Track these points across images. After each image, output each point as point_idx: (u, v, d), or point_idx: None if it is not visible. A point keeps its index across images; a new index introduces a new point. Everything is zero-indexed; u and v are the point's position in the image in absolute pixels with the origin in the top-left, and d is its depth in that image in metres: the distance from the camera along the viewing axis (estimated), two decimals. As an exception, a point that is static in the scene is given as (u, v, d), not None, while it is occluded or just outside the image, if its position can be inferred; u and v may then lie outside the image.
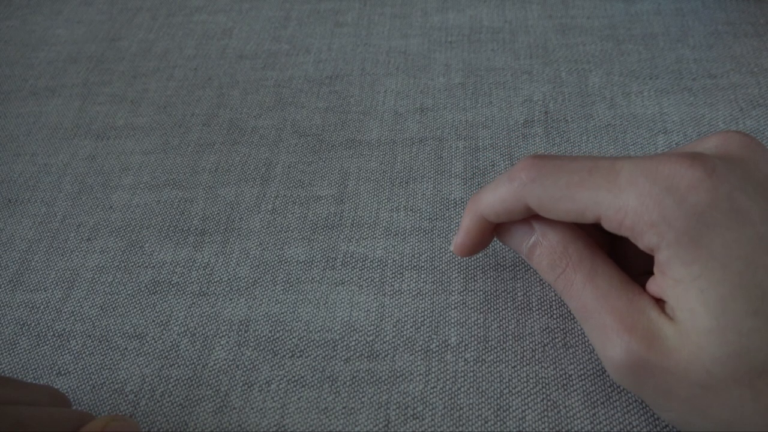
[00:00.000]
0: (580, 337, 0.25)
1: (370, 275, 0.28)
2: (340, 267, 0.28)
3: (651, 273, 0.21)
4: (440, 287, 0.27)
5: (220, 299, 0.28)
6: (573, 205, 0.21)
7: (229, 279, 0.28)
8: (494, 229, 0.25)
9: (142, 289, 0.29)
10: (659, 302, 0.20)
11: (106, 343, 0.27)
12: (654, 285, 0.20)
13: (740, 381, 0.18)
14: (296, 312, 0.27)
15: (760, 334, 0.18)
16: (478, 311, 0.26)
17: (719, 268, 0.18)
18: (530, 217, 0.23)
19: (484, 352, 0.25)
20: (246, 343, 0.26)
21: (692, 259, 0.19)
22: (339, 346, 0.26)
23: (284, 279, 0.28)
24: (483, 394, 0.24)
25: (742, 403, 0.18)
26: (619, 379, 0.20)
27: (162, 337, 0.27)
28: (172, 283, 0.29)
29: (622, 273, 0.21)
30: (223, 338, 0.27)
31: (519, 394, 0.24)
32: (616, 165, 0.20)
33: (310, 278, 0.28)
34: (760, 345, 0.18)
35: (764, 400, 0.18)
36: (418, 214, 0.30)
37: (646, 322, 0.19)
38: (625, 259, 0.23)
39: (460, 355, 0.25)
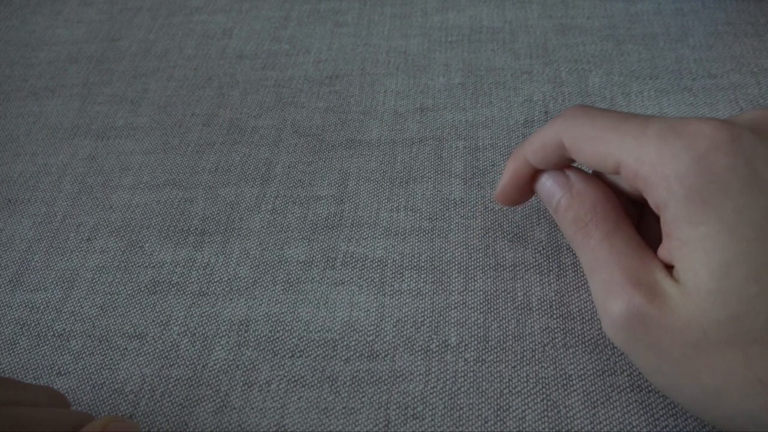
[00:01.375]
0: (580, 337, 0.25)
1: (370, 275, 0.28)
2: (340, 267, 0.28)
3: None
4: (440, 287, 0.27)
5: (220, 299, 0.28)
6: (600, 146, 0.21)
7: (229, 279, 0.28)
8: (533, 181, 0.25)
9: (142, 289, 0.29)
10: (669, 268, 0.20)
11: (106, 343, 0.27)
12: (663, 250, 0.20)
13: (735, 345, 0.18)
14: (296, 312, 0.27)
15: (760, 301, 0.18)
16: (478, 311, 0.26)
17: (726, 231, 0.18)
18: (568, 171, 0.24)
19: (484, 352, 0.25)
20: (246, 343, 0.26)
21: (699, 220, 0.19)
22: (339, 346, 0.26)
23: (284, 279, 0.28)
24: (483, 394, 0.24)
25: (734, 368, 0.18)
26: (613, 335, 0.21)
27: (162, 337, 0.27)
28: (172, 283, 0.29)
29: (640, 238, 0.22)
30: (223, 338, 0.27)
31: (519, 394, 0.24)
32: (651, 118, 0.21)
33: (310, 278, 0.28)
34: (758, 311, 0.18)
35: (755, 367, 0.18)
36: (418, 214, 0.30)
37: (652, 280, 0.20)
38: (646, 235, 0.23)
39: (460, 355, 0.25)
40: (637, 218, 0.24)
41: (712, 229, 0.18)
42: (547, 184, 0.25)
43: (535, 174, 0.25)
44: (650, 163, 0.20)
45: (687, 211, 0.19)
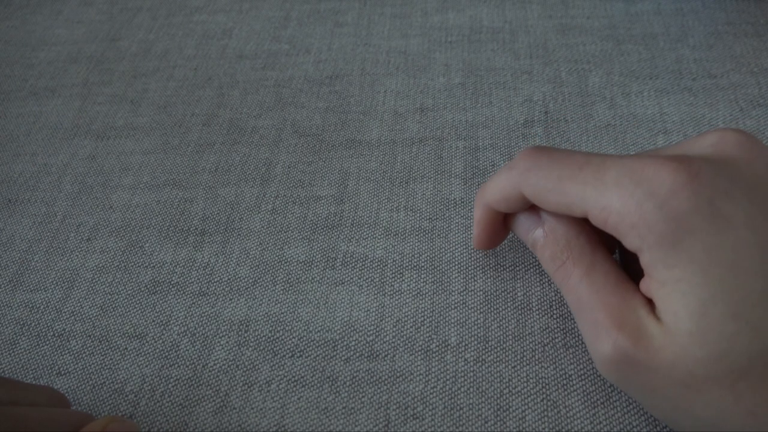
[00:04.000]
0: (580, 337, 0.25)
1: (370, 275, 0.28)
2: (340, 267, 0.28)
3: None
4: (440, 287, 0.27)
5: (220, 299, 0.28)
6: (562, 198, 0.21)
7: (229, 279, 0.28)
8: (505, 220, 0.25)
9: (142, 289, 0.29)
10: (651, 302, 0.20)
11: (106, 343, 0.27)
12: (644, 285, 0.20)
13: (721, 383, 0.18)
14: (296, 312, 0.27)
15: (741, 338, 0.18)
16: (478, 311, 0.26)
17: (699, 272, 0.18)
18: (539, 209, 0.24)
19: (484, 352, 0.25)
20: (246, 343, 0.26)
21: (673, 263, 0.19)
22: (339, 346, 0.26)
23: (284, 279, 0.28)
24: (483, 394, 0.24)
25: (724, 404, 0.18)
26: (606, 374, 0.21)
27: (162, 337, 0.27)
28: (172, 283, 0.29)
29: (620, 271, 0.21)
30: (223, 338, 0.27)
31: (519, 394, 0.24)
32: (606, 163, 0.20)
33: (310, 278, 0.28)
34: (740, 348, 0.18)
35: (744, 402, 0.18)
36: (418, 214, 0.30)
37: (635, 320, 0.20)
38: (627, 263, 0.23)
39: (460, 355, 0.25)
40: (615, 242, 0.24)
41: (685, 272, 0.18)
42: (519, 222, 0.24)
43: (503, 216, 0.25)
44: (616, 212, 0.20)
45: (659, 255, 0.19)
